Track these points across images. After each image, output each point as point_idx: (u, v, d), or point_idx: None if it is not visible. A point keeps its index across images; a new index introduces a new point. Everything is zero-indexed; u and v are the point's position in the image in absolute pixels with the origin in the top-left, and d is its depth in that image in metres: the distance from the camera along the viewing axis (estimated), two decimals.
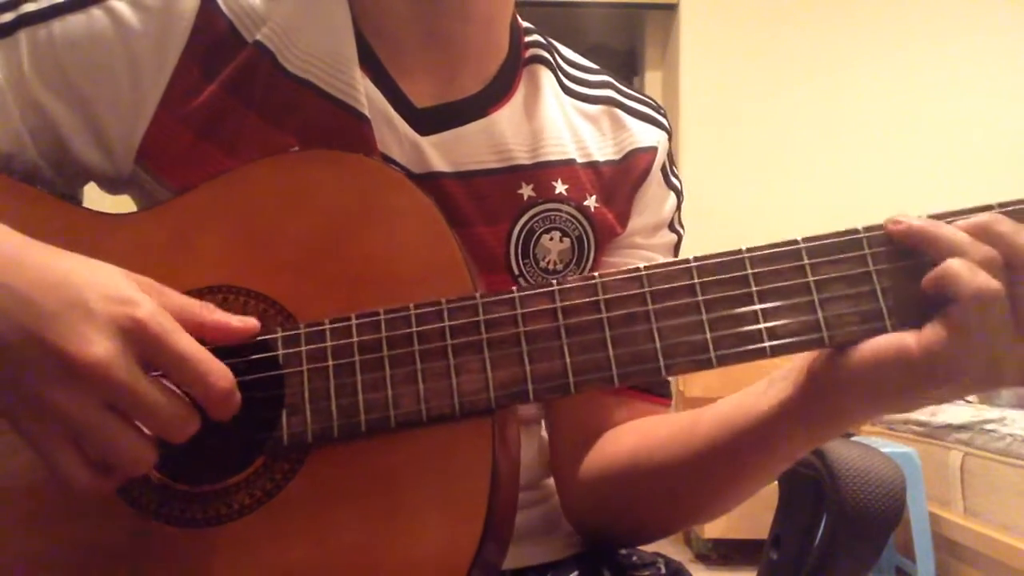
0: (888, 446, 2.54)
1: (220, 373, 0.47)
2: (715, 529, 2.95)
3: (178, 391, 0.47)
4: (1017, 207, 0.48)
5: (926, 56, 3.57)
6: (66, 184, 0.66)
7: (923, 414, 2.81)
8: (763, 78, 3.58)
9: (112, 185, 0.67)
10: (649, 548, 0.73)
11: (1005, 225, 0.46)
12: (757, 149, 3.56)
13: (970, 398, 2.96)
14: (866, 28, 3.58)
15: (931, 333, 0.45)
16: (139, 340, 0.45)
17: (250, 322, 0.51)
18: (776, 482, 0.77)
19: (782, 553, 0.70)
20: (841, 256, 0.49)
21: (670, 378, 0.63)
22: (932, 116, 3.51)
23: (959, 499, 2.53)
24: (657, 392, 0.70)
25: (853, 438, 0.70)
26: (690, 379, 2.92)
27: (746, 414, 0.56)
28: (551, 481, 0.74)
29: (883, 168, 3.47)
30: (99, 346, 0.44)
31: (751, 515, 2.86)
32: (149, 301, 0.46)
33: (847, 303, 0.48)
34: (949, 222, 0.48)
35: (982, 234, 0.46)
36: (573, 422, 0.70)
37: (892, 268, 0.48)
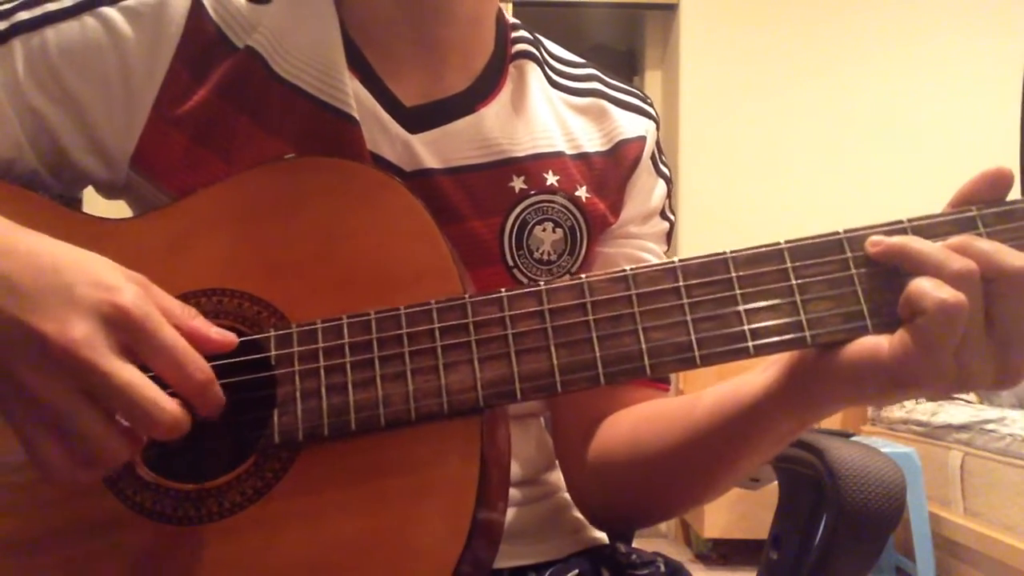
0: (888, 446, 2.54)
1: (198, 365, 0.47)
2: (715, 529, 2.96)
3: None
4: (998, 210, 0.49)
5: (926, 56, 3.57)
6: (65, 189, 0.66)
7: (923, 414, 2.82)
8: (763, 78, 3.58)
9: (110, 190, 0.67)
10: (649, 548, 0.74)
11: (983, 243, 0.47)
12: (757, 149, 3.56)
13: (970, 398, 2.96)
14: (865, 28, 3.59)
15: (898, 340, 0.46)
16: (120, 327, 0.45)
17: (228, 336, 0.50)
18: (776, 482, 0.77)
19: (782, 553, 0.71)
20: (823, 258, 0.50)
21: None
22: (931, 116, 3.51)
23: (959, 499, 2.53)
24: (657, 377, 0.71)
25: (853, 438, 0.70)
26: (690, 376, 2.93)
27: (738, 400, 0.57)
28: (552, 477, 0.75)
29: (882, 168, 3.47)
30: (77, 330, 0.44)
31: (751, 515, 2.88)
32: (133, 289, 0.46)
33: (829, 304, 0.49)
34: (932, 222, 0.49)
35: (960, 250, 0.47)
36: (576, 410, 0.71)
37: (873, 270, 0.49)
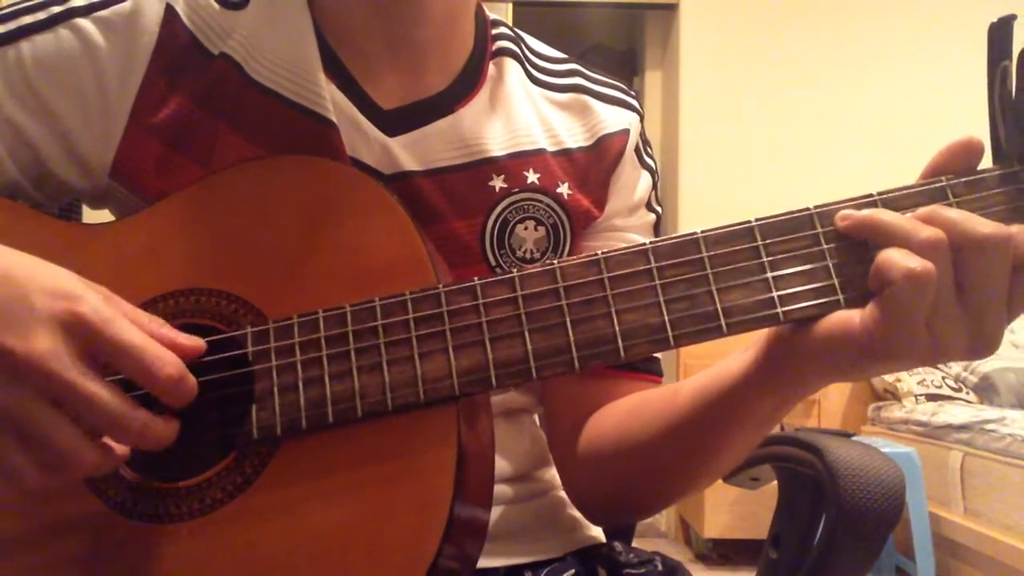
0: (888, 446, 2.54)
1: (165, 359, 0.47)
2: (715, 529, 2.96)
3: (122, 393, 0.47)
4: (967, 179, 0.49)
5: (925, 56, 3.57)
6: (49, 200, 0.67)
7: (923, 414, 2.81)
8: (763, 78, 3.58)
9: (93, 200, 0.68)
10: (649, 548, 0.74)
11: (951, 212, 0.47)
12: (757, 149, 3.56)
13: (970, 398, 2.96)
14: (865, 29, 3.59)
15: (868, 313, 0.46)
16: (81, 334, 0.45)
17: (197, 341, 0.51)
18: (776, 482, 0.77)
19: (782, 553, 0.71)
20: (794, 235, 0.50)
21: (660, 356, 0.63)
22: (931, 117, 3.51)
23: (959, 499, 2.53)
24: (647, 370, 0.71)
25: (853, 438, 0.70)
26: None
27: (718, 384, 0.57)
28: (546, 474, 0.75)
29: (882, 168, 3.47)
30: (39, 341, 0.44)
31: (751, 515, 2.88)
32: (93, 295, 0.46)
33: (801, 280, 0.49)
34: (902, 194, 0.49)
35: (928, 220, 0.47)
36: (568, 404, 0.71)
37: (844, 245, 0.49)
